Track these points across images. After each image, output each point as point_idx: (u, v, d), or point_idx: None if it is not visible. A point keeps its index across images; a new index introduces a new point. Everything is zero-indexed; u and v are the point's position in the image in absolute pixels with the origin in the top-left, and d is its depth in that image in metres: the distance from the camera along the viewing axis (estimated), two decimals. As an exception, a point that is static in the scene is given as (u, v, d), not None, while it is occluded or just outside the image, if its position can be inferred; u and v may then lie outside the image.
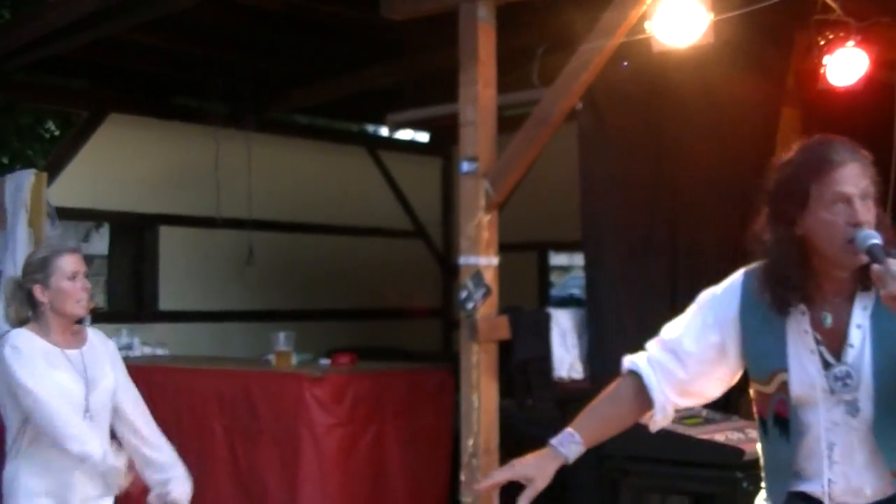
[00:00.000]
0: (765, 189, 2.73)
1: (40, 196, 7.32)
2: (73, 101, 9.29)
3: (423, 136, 12.06)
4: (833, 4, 5.53)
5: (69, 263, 4.18)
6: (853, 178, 2.59)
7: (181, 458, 4.47)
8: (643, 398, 2.87)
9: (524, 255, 10.07)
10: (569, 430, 2.85)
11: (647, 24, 5.08)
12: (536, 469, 2.80)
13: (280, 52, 8.16)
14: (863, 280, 2.61)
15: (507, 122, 5.83)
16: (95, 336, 4.37)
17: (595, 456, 3.85)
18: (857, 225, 2.56)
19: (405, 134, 13.21)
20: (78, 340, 4.25)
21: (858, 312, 2.65)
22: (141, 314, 8.84)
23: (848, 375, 2.63)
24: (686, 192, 6.30)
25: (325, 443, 6.19)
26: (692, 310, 2.90)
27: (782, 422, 2.73)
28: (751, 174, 6.44)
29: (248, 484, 6.41)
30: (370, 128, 12.69)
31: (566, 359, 5.91)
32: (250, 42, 7.90)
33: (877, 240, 2.53)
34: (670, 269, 6.25)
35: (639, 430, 3.00)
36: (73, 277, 4.16)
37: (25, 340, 4.10)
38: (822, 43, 5.81)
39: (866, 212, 2.58)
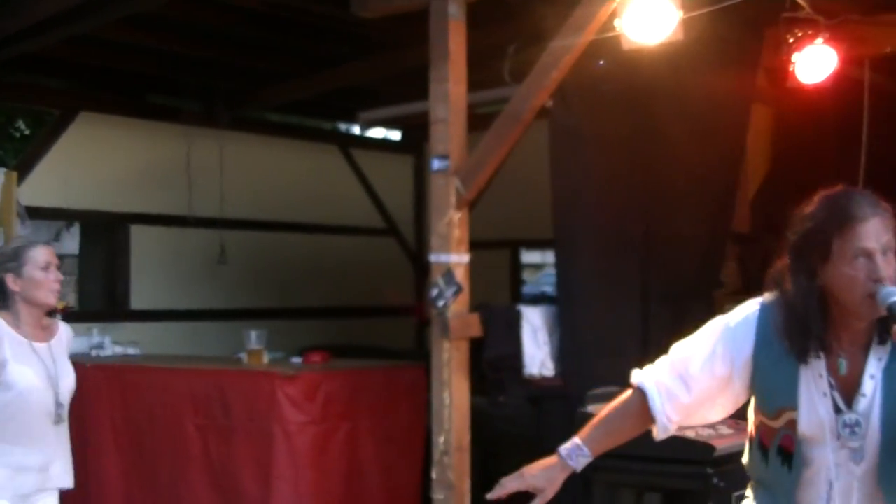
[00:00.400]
0: (787, 240, 2.77)
1: (11, 195, 7.28)
2: (44, 99, 9.23)
3: (395, 134, 12.06)
4: (802, 2, 5.56)
5: (42, 254, 4.24)
6: (875, 233, 2.64)
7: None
8: (649, 416, 2.94)
9: (497, 252, 10.09)
10: (577, 441, 2.94)
11: (616, 22, 5.09)
12: (546, 481, 2.92)
13: (253, 50, 8.15)
14: (879, 332, 2.69)
15: (479, 120, 5.81)
16: (65, 329, 4.43)
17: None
18: (878, 280, 2.61)
19: (377, 132, 13.21)
20: (47, 334, 4.30)
21: (873, 363, 2.71)
22: (112, 313, 8.80)
23: (857, 424, 2.69)
24: (658, 189, 6.32)
25: (298, 440, 6.20)
26: (704, 335, 2.93)
27: (786, 454, 2.79)
28: (723, 169, 6.56)
29: (222, 482, 6.39)
30: (343, 126, 12.67)
31: (537, 356, 5.92)
32: (223, 39, 7.89)
33: None
34: (642, 267, 6.26)
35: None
36: (45, 268, 4.22)
37: None
38: (791, 40, 5.83)
39: (887, 266, 2.64)
